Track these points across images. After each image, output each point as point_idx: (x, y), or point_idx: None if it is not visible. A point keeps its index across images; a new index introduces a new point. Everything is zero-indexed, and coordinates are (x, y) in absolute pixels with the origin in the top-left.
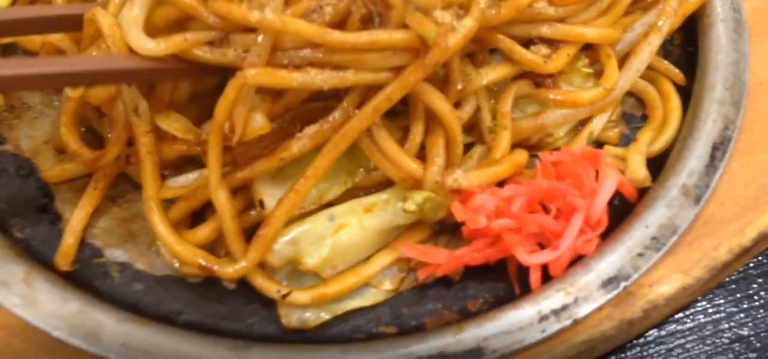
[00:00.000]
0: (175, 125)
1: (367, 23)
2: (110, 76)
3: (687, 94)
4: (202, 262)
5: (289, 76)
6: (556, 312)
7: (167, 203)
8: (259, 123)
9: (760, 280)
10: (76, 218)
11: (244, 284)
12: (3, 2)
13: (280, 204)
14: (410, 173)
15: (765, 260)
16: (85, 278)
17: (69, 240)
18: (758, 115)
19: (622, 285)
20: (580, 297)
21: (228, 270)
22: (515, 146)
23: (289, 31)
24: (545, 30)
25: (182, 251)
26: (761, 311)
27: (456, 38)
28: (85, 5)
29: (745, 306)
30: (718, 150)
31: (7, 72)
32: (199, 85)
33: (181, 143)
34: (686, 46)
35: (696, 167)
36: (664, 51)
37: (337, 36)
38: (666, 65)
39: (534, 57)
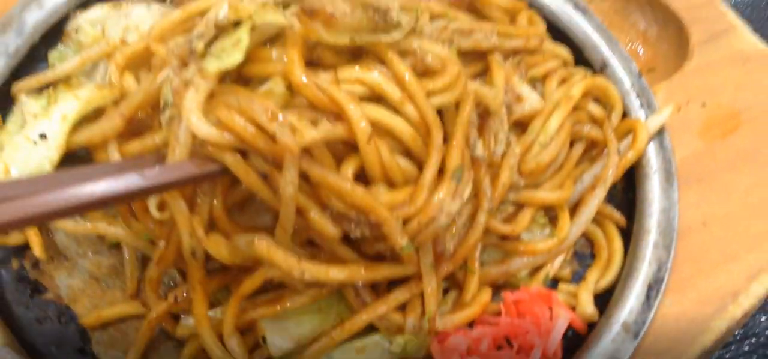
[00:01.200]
0: (222, 252)
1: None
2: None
3: (628, 234)
4: None
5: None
6: None
7: (177, 343)
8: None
9: None
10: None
11: None
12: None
13: (317, 342)
14: (393, 323)
15: None
16: None
17: None
18: (687, 257)
19: None
20: None
21: None
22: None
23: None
24: (512, 196)
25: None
26: None
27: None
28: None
29: None
30: (653, 290)
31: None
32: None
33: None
34: (627, 192)
35: (634, 306)
36: (609, 196)
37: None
38: (610, 210)
39: (505, 227)
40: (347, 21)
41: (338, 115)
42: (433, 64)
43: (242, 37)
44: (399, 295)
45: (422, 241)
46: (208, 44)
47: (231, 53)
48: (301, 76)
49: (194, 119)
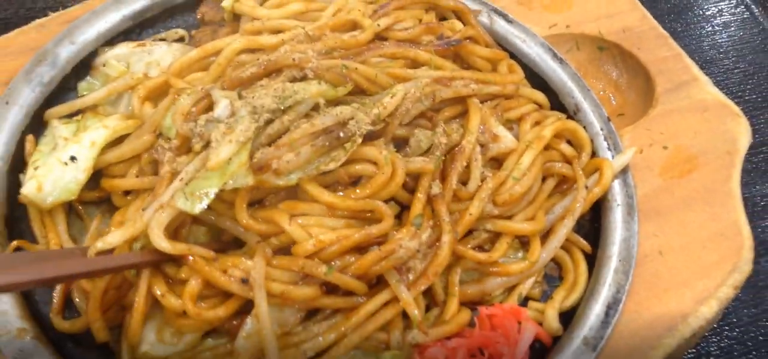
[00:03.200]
0: None
1: None
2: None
3: (592, 260)
4: None
5: None
6: None
7: None
8: None
9: None
10: None
11: None
12: None
13: None
14: (379, 341)
15: None
16: None
17: None
18: (643, 281)
19: None
20: None
21: None
22: (462, 302)
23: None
24: (489, 226)
25: None
26: None
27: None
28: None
29: None
30: (612, 309)
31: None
32: None
33: None
34: (593, 222)
35: (594, 323)
36: (577, 226)
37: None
38: (576, 238)
39: (482, 255)
40: (292, 166)
41: None
42: (366, 169)
43: (210, 192)
44: (383, 315)
45: (385, 268)
46: (204, 147)
47: (198, 200)
48: (244, 216)
49: (157, 237)
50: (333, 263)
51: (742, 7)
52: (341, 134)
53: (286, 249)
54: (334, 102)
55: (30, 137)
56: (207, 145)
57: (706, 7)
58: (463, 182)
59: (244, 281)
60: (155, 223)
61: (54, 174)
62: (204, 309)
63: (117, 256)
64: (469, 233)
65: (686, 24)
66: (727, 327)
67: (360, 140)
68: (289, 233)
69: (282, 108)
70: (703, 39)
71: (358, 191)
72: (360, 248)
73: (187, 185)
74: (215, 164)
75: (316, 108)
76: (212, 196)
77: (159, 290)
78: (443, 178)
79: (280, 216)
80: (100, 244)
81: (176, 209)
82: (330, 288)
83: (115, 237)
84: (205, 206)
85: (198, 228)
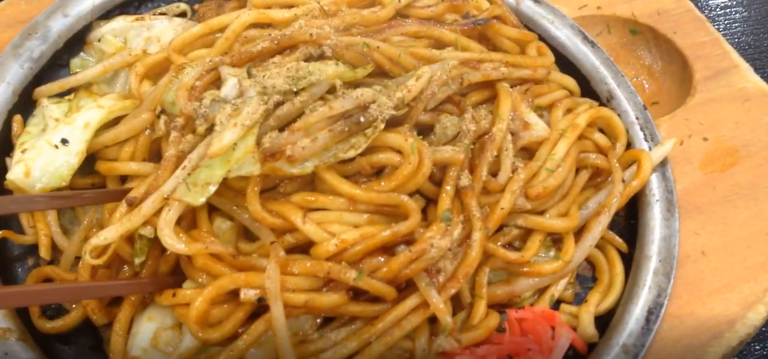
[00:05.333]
0: None
1: None
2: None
3: (629, 259)
4: None
5: None
6: None
7: None
8: None
9: None
10: None
11: None
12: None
13: None
14: (403, 348)
15: None
16: None
17: None
18: (686, 283)
19: None
20: None
21: None
22: (489, 304)
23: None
24: (521, 222)
25: None
26: None
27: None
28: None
29: None
30: (653, 314)
31: None
32: None
33: None
34: (629, 219)
35: (634, 329)
36: (611, 222)
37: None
38: (612, 235)
39: (515, 255)
40: (308, 152)
41: None
42: (390, 159)
43: (213, 182)
44: (409, 321)
45: (415, 271)
46: (208, 129)
47: (201, 191)
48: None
49: (168, 238)
50: (361, 266)
51: None
52: (362, 119)
53: (303, 248)
54: (351, 84)
55: (17, 117)
56: (211, 127)
57: None
58: (493, 173)
59: (261, 300)
60: (165, 223)
61: (43, 158)
62: (210, 331)
63: (110, 284)
64: (499, 229)
65: (722, 8)
66: None
67: (382, 126)
68: (304, 232)
69: (295, 90)
70: (740, 24)
71: (382, 183)
72: (385, 248)
73: (190, 175)
74: (217, 150)
75: (331, 91)
76: (215, 186)
77: None
78: (471, 169)
79: (293, 213)
80: (95, 240)
81: (183, 203)
82: (355, 293)
83: (110, 233)
84: (208, 197)
85: (222, 220)
